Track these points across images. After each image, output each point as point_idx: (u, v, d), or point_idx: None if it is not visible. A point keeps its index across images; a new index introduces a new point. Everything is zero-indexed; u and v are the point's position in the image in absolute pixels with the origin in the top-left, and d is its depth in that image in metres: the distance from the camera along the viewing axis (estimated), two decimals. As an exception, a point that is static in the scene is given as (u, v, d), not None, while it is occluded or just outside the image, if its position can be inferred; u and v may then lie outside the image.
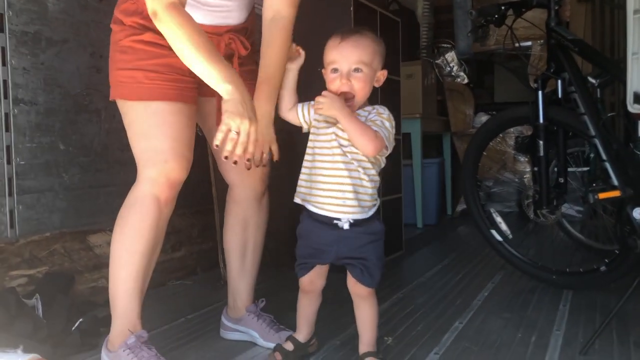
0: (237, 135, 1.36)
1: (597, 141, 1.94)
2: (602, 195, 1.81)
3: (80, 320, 1.79)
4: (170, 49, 1.38)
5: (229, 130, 1.35)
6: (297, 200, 1.52)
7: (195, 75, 1.41)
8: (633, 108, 1.34)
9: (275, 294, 2.16)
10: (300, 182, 1.51)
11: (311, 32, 2.48)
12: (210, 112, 1.67)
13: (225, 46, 1.58)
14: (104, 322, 1.72)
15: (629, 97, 1.34)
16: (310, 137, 1.52)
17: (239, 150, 1.37)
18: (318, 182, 1.46)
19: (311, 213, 1.49)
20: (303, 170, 1.51)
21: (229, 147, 1.36)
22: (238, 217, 1.79)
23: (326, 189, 1.45)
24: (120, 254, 1.50)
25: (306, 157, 1.51)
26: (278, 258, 2.73)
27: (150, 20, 1.38)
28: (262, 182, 1.78)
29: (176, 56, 1.38)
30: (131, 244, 1.49)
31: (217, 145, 1.37)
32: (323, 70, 1.50)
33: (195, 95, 1.58)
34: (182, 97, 1.53)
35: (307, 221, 1.51)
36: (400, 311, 2.07)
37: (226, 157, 1.37)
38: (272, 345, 1.67)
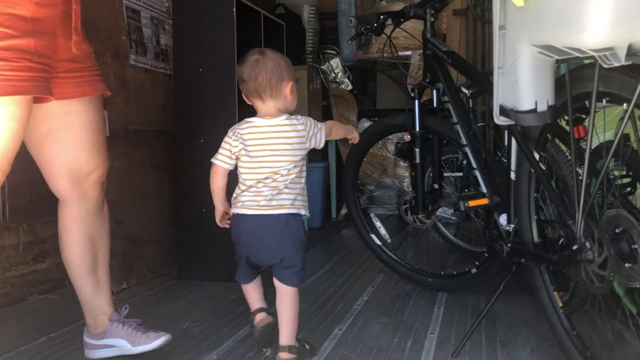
0: None
1: (467, 150, 2.03)
2: (472, 203, 1.88)
3: None
4: (15, 28, 1.18)
5: None
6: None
7: (45, 59, 1.26)
8: (499, 120, 1.40)
9: (150, 306, 2.04)
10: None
11: (191, 36, 2.40)
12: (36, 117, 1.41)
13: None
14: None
15: (496, 110, 1.39)
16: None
17: None
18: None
19: None
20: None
21: None
22: (82, 234, 1.61)
23: None
24: None
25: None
26: (155, 268, 2.59)
27: None
28: (101, 187, 1.62)
29: (24, 36, 1.19)
30: None
31: None
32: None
33: (48, 86, 1.32)
34: (32, 88, 1.27)
35: None
36: (281, 320, 2.04)
37: None
38: (143, 349, 1.59)
